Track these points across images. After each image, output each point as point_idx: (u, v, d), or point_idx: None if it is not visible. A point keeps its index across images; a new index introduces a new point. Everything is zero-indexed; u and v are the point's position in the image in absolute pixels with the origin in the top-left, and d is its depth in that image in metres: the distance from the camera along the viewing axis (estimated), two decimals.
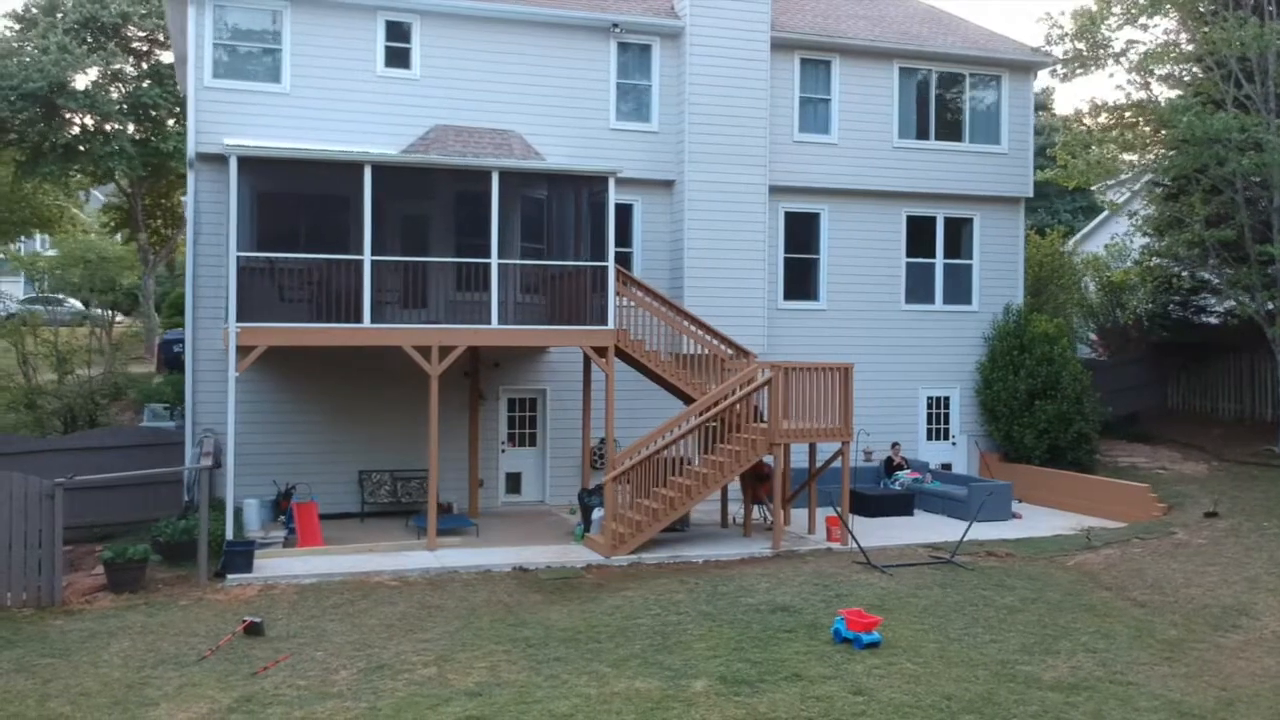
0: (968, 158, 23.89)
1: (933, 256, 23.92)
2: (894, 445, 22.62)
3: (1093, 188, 27.53)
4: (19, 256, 24.42)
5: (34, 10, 31.96)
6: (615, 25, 21.14)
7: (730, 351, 19.61)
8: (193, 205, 19.12)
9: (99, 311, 27.33)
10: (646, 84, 21.70)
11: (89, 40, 30.71)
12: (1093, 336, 30.52)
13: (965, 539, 17.59)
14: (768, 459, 18.01)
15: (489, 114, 20.44)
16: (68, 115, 30.04)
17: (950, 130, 23.92)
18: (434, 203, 18.46)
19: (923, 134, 23.64)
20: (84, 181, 33.31)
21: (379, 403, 20.03)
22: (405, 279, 17.39)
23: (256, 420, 19.39)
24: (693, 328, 19.65)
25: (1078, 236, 35.79)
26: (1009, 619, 13.57)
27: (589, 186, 18.18)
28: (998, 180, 24.08)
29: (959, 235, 24.26)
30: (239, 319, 16.14)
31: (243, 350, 16.35)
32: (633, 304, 19.30)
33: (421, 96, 20.16)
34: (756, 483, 18.71)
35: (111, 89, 31.02)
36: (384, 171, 16.91)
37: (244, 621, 12.98)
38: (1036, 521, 20.24)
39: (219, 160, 17.99)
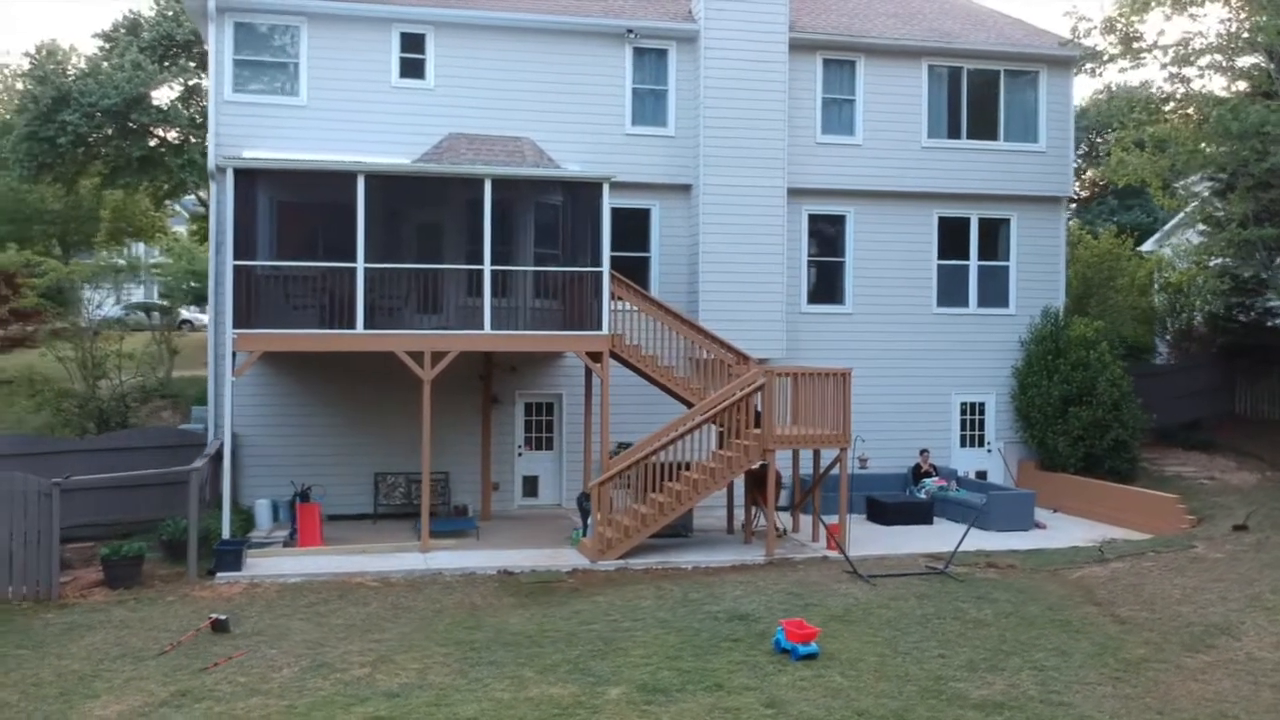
0: (1003, 157, 23.16)
1: (966, 258, 23.25)
2: (922, 452, 22.10)
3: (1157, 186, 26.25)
4: (57, 266, 25.65)
5: (121, 30, 33.65)
6: (630, 31, 21.16)
7: (732, 357, 19.44)
8: (215, 215, 19.84)
9: (156, 317, 28.59)
10: (663, 89, 21.65)
11: (166, 57, 32.16)
12: (1158, 343, 29.18)
13: (969, 549, 17.18)
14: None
15: (504, 121, 20.63)
16: (145, 129, 31.53)
17: (984, 129, 23.19)
18: (433, 210, 18.73)
19: (954, 133, 23.00)
20: (159, 192, 34.91)
21: (394, 406, 20.37)
22: (407, 286, 17.64)
23: (276, 422, 20.05)
24: (693, 333, 19.54)
25: (1156, 236, 34.31)
26: (970, 633, 13.16)
27: (585, 192, 18.22)
28: (1036, 179, 23.29)
29: (995, 236, 23.53)
30: (236, 325, 16.70)
31: (241, 355, 16.96)
32: (636, 309, 19.30)
33: (436, 106, 20.51)
34: (759, 488, 18.52)
35: (191, 102, 32.46)
36: (377, 180, 17.25)
37: (210, 618, 13.44)
38: (1059, 532, 19.54)
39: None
